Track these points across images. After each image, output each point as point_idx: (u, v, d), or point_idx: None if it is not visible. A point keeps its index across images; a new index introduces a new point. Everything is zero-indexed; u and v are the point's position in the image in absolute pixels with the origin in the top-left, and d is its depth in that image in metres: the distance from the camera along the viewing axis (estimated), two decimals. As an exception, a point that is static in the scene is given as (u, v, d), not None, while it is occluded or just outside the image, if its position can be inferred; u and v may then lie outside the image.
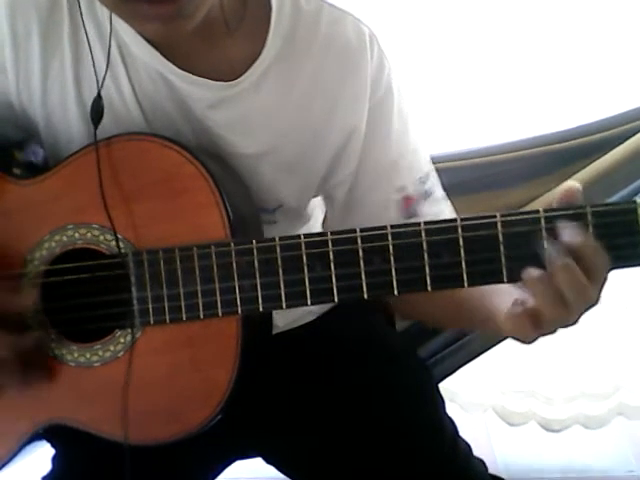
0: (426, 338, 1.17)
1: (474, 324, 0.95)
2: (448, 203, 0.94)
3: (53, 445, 0.92)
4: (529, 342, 0.72)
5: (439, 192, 0.93)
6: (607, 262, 0.66)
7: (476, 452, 0.95)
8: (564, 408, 1.60)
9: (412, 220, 0.87)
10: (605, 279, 0.68)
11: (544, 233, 0.67)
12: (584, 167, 1.25)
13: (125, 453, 0.76)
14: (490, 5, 1.60)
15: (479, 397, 1.65)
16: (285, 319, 0.96)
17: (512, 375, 1.67)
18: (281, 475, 0.99)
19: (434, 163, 0.94)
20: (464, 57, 1.63)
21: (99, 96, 0.80)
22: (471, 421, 1.63)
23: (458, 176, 1.29)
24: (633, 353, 1.63)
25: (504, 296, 0.72)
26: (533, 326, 0.69)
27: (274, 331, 0.90)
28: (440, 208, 0.91)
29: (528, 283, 0.67)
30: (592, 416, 1.59)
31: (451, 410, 0.97)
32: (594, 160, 1.24)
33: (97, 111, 0.80)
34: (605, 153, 1.24)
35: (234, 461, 1.01)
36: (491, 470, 0.96)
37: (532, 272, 0.67)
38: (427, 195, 0.90)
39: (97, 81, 0.80)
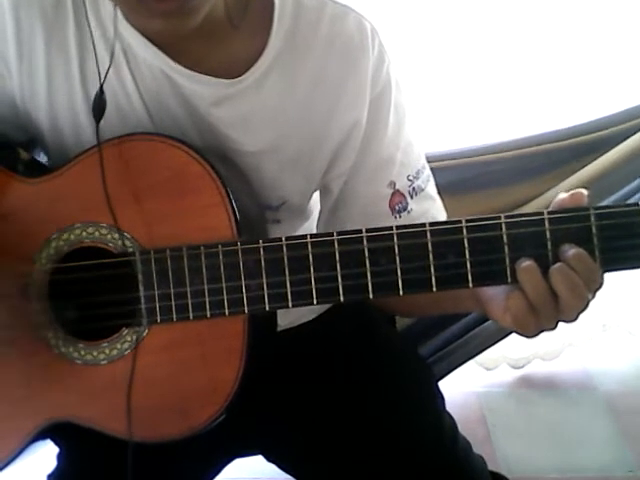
0: (427, 336, 1.18)
1: (452, 310, 0.97)
2: (438, 200, 0.94)
3: (57, 443, 0.92)
4: (531, 336, 0.72)
5: (430, 188, 0.93)
6: (600, 277, 0.69)
7: (476, 450, 0.96)
8: (526, 346, 1.87)
9: (402, 215, 0.89)
10: (601, 284, 0.69)
11: (548, 235, 0.68)
12: (581, 166, 1.25)
13: (129, 450, 0.77)
14: (489, 5, 1.61)
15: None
16: (286, 318, 0.97)
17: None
18: (282, 474, 1.00)
19: (430, 162, 0.94)
20: (461, 56, 1.64)
21: (101, 91, 0.80)
22: (471, 418, 1.66)
23: (454, 175, 1.30)
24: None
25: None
26: (535, 320, 0.69)
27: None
28: (429, 204, 0.92)
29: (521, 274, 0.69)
30: (549, 351, 1.87)
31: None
32: (591, 159, 1.25)
33: (99, 106, 0.80)
34: (602, 152, 1.24)
35: (235, 458, 1.01)
36: (492, 468, 0.97)
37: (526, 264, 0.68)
38: (418, 191, 0.90)
39: (99, 78, 0.81)
